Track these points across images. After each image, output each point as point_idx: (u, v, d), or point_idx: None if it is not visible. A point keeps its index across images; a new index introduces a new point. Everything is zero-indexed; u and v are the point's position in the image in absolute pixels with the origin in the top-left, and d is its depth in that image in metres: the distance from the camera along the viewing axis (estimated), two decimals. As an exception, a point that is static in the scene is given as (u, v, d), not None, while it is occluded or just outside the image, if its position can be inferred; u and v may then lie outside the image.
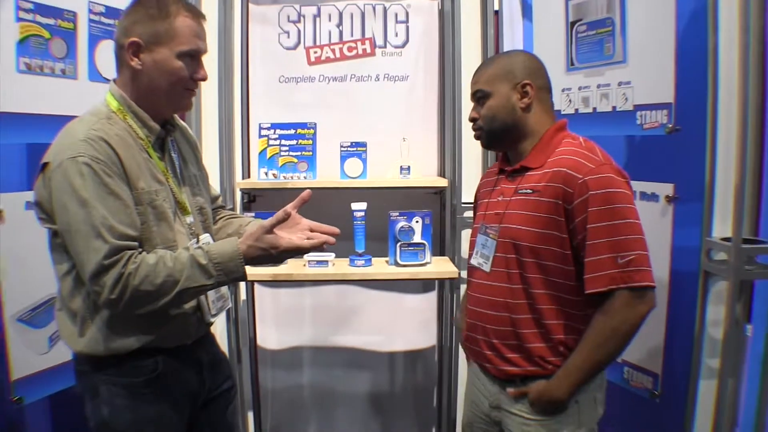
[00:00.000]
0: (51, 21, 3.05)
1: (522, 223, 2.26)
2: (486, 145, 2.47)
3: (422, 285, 4.20)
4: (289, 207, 2.21)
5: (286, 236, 2.19)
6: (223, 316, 3.78)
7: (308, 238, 2.24)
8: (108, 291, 1.96)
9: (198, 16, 2.20)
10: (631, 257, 2.08)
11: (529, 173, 2.31)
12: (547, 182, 2.21)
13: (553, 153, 2.28)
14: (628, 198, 2.15)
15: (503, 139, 2.39)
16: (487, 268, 2.37)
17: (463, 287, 2.83)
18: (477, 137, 2.44)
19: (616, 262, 2.08)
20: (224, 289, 2.43)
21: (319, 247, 2.22)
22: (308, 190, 2.32)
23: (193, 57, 2.18)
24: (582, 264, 2.17)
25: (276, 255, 2.13)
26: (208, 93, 3.96)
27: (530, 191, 2.26)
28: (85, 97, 2.23)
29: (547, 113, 2.39)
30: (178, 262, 2.03)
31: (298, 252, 2.18)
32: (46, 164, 2.04)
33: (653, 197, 2.91)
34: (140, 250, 2.05)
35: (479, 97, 2.38)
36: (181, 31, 2.14)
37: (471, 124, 2.44)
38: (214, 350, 2.51)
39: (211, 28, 3.83)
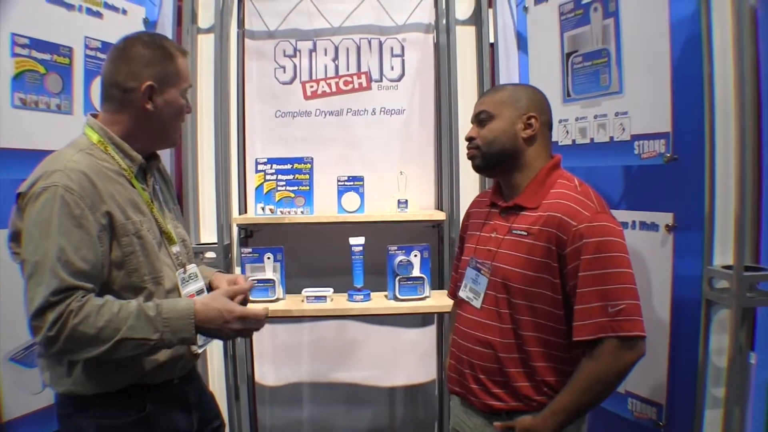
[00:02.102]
0: (47, 56, 3.06)
1: (515, 265, 2.24)
2: (478, 167, 2.42)
3: (421, 319, 4.18)
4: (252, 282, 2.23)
5: None
6: (220, 352, 3.75)
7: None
8: (47, 328, 1.88)
9: (186, 53, 2.27)
10: (621, 306, 2.05)
11: (523, 213, 2.29)
12: (542, 226, 2.20)
13: (548, 194, 2.26)
14: (621, 247, 2.13)
15: (498, 164, 2.36)
16: (477, 304, 2.35)
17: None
18: (470, 156, 2.41)
19: (606, 311, 2.06)
20: None
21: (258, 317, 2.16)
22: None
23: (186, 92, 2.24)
24: (572, 309, 2.15)
25: (228, 320, 2.07)
26: (205, 128, 3.98)
27: (525, 233, 2.25)
28: (81, 133, 2.21)
29: (546, 150, 2.38)
30: (123, 310, 1.96)
31: (252, 322, 2.14)
32: (20, 194, 2.02)
33: (653, 227, 2.89)
34: (90, 292, 1.98)
35: (482, 118, 2.36)
36: (184, 70, 2.21)
37: (467, 143, 2.42)
38: (201, 387, 2.47)
39: (207, 63, 3.91)
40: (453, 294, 2.70)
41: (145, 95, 2.12)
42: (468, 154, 2.42)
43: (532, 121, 2.31)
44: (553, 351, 2.21)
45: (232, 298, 2.17)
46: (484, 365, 2.30)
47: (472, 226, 2.55)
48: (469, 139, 2.40)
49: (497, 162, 2.35)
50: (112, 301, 1.97)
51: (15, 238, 2.06)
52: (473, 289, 2.38)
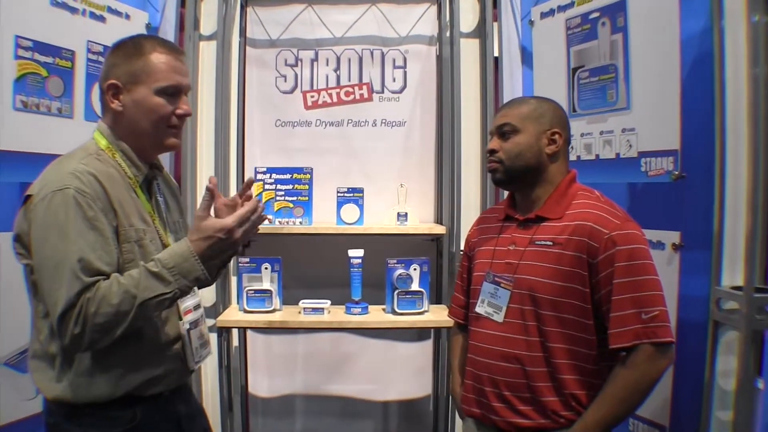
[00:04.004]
0: (49, 59, 3.04)
1: (542, 275, 2.21)
2: (499, 181, 2.38)
3: (417, 333, 4.14)
4: (210, 185, 2.06)
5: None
6: (214, 363, 3.71)
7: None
8: (72, 325, 1.86)
9: (174, 51, 2.16)
10: (655, 313, 2.05)
11: (545, 224, 2.27)
12: (570, 235, 2.18)
13: (570, 205, 2.25)
14: (649, 254, 2.13)
15: (520, 179, 2.33)
16: (499, 318, 2.30)
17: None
18: (491, 170, 2.37)
19: (640, 318, 2.05)
20: (207, 335, 2.36)
21: (256, 208, 2.06)
22: (212, 177, 2.18)
23: (173, 93, 2.12)
24: (601, 318, 2.14)
25: (225, 237, 1.99)
26: (205, 136, 3.95)
27: (550, 243, 2.22)
28: (81, 137, 2.18)
29: (566, 165, 2.37)
30: (131, 278, 1.93)
31: (248, 223, 2.03)
32: (29, 197, 1.98)
33: (659, 245, 2.87)
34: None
35: (506, 130, 2.33)
36: (157, 67, 2.09)
37: (488, 155, 2.39)
38: (192, 401, 2.41)
39: (208, 71, 3.88)
40: (458, 315, 2.67)
41: (109, 95, 2.09)
42: (489, 167, 2.39)
43: (556, 137, 2.30)
44: (582, 363, 2.17)
45: (217, 214, 2.11)
46: (509, 381, 2.25)
47: (481, 243, 2.51)
48: (491, 151, 2.37)
49: (520, 177, 2.33)
50: (117, 276, 1.93)
51: (20, 239, 2.02)
52: (493, 304, 2.33)
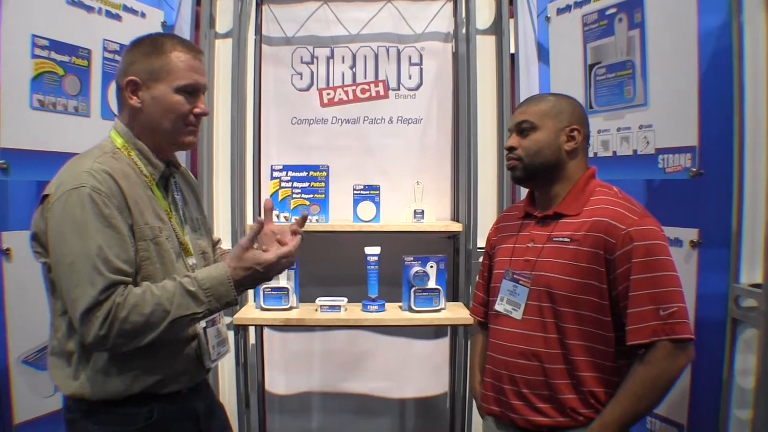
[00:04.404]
0: (65, 58, 3.05)
1: (559, 272, 2.20)
2: (519, 178, 2.37)
3: (434, 331, 4.14)
4: (261, 218, 2.12)
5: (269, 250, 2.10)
6: (231, 360, 3.71)
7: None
8: (98, 326, 1.86)
9: (194, 51, 2.17)
10: (673, 309, 2.03)
11: (563, 220, 2.26)
12: (587, 231, 2.16)
13: (588, 201, 2.24)
14: (668, 250, 2.11)
15: (539, 176, 2.32)
16: (517, 315, 2.29)
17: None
18: (511, 167, 2.37)
19: (658, 314, 2.03)
20: (226, 333, 2.37)
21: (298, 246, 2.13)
22: (269, 199, 2.32)
23: (192, 92, 2.14)
24: (619, 315, 2.12)
25: (263, 271, 2.05)
26: (221, 134, 3.97)
27: (568, 239, 2.21)
28: (97, 135, 2.18)
29: (585, 162, 2.35)
30: (165, 291, 1.95)
31: (286, 259, 2.08)
32: (45, 196, 1.98)
33: (677, 242, 2.85)
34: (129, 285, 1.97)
35: (525, 128, 2.32)
36: (177, 66, 2.10)
37: (506, 152, 2.38)
38: (211, 397, 2.41)
39: (224, 68, 3.89)
40: (478, 313, 2.67)
41: (127, 91, 2.09)
42: (508, 164, 2.38)
43: (575, 134, 2.29)
44: (600, 360, 2.16)
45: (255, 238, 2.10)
46: (527, 378, 2.24)
47: (501, 240, 2.50)
48: (510, 148, 2.36)
49: (539, 174, 2.32)
50: (150, 286, 1.96)
51: (37, 238, 2.02)
52: (511, 301, 2.32)
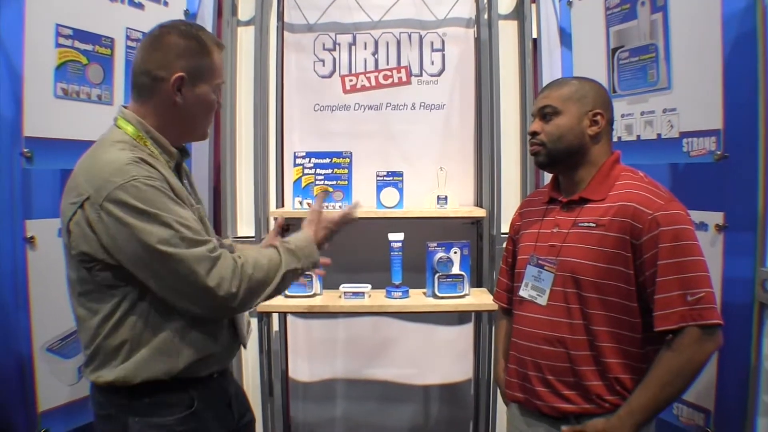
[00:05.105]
0: (89, 47, 3.06)
1: (584, 257, 2.18)
2: (542, 163, 2.36)
3: (458, 317, 4.14)
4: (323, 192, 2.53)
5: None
6: (255, 348, 3.73)
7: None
8: (228, 284, 1.94)
9: (222, 47, 2.20)
10: (700, 295, 2.02)
11: (589, 205, 2.24)
12: (613, 216, 2.15)
13: (614, 186, 2.22)
14: (694, 235, 2.09)
15: (563, 161, 2.31)
16: (542, 301, 2.27)
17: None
18: (534, 152, 2.36)
19: (686, 300, 2.02)
20: (248, 314, 2.40)
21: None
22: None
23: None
24: (645, 301, 2.11)
25: (336, 228, 2.33)
26: (244, 121, 4.00)
27: (593, 224, 2.19)
28: (120, 123, 2.19)
29: (609, 146, 2.34)
30: (270, 251, 2.13)
31: (346, 218, 2.36)
32: (82, 202, 1.90)
33: (702, 226, 2.82)
34: None
35: (547, 112, 2.31)
36: (219, 66, 2.14)
37: (530, 137, 2.37)
38: (235, 381, 2.42)
39: (246, 56, 3.91)
40: (502, 300, 2.67)
41: (174, 87, 2.04)
42: (531, 149, 2.37)
43: (598, 118, 2.27)
44: (626, 346, 2.14)
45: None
46: (552, 365, 2.23)
47: (526, 225, 2.49)
48: (533, 133, 2.34)
49: (562, 159, 2.31)
50: (254, 248, 2.27)
51: (87, 255, 1.94)
52: (536, 287, 2.31)
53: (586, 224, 2.21)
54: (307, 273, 2.41)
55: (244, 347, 2.36)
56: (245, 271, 1.98)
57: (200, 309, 1.99)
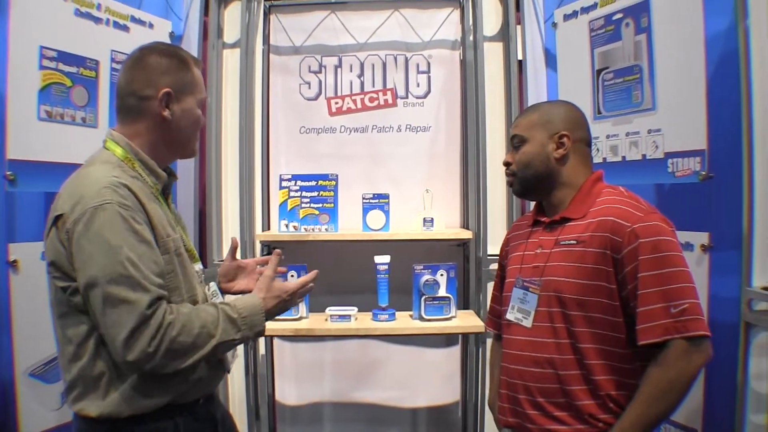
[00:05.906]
0: (73, 69, 3.07)
1: (566, 275, 2.17)
2: (518, 192, 2.40)
3: (445, 339, 4.13)
4: (278, 250, 2.31)
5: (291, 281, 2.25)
6: (241, 371, 3.71)
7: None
8: (146, 343, 1.81)
9: (200, 64, 2.23)
10: (684, 306, 1.99)
11: (570, 224, 2.23)
12: (593, 232, 2.14)
13: (595, 203, 2.21)
14: (676, 246, 2.07)
15: (535, 187, 2.33)
16: (528, 323, 2.25)
17: (488, 341, 2.75)
18: (509, 183, 2.39)
19: (669, 312, 1.99)
20: None
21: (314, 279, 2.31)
22: (234, 238, 2.65)
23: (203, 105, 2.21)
24: (631, 315, 2.08)
25: (288, 299, 2.19)
26: (229, 143, 3.99)
27: (574, 242, 2.18)
28: (105, 146, 2.18)
29: (585, 165, 2.33)
30: (209, 315, 1.96)
31: (305, 287, 2.26)
32: (58, 217, 1.91)
33: (688, 246, 2.83)
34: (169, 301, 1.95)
35: (516, 143, 2.34)
36: (199, 80, 2.16)
37: (504, 168, 2.40)
38: (222, 405, 2.39)
39: (232, 78, 3.90)
40: (493, 326, 2.65)
41: (161, 102, 2.05)
42: (507, 180, 2.41)
43: (564, 140, 2.27)
44: (615, 362, 2.12)
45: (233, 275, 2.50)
46: (542, 386, 2.20)
47: (512, 249, 2.49)
48: (506, 164, 2.38)
49: (533, 185, 2.33)
50: (194, 307, 2.01)
51: (55, 264, 1.94)
52: (522, 309, 2.29)
53: (568, 242, 2.20)
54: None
55: (228, 372, 2.34)
56: (168, 333, 1.85)
57: (116, 358, 1.89)
